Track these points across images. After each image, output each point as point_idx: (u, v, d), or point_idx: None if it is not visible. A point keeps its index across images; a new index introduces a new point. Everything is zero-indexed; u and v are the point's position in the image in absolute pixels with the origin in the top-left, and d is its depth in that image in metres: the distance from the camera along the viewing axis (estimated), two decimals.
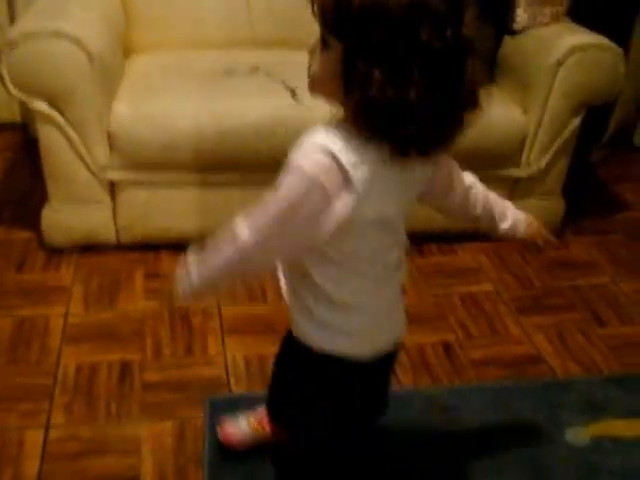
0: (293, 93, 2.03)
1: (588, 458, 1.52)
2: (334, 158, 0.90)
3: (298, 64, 2.22)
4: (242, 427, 1.48)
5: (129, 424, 1.55)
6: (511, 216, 1.21)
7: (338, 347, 1.09)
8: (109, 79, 1.97)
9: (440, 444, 1.54)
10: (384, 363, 1.20)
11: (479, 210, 1.19)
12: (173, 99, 2.00)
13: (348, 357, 1.09)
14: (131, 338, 1.79)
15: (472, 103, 0.91)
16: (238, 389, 1.66)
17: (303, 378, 1.19)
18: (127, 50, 2.31)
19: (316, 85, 0.95)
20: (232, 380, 1.68)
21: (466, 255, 2.23)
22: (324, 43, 0.90)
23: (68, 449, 1.48)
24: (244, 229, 0.97)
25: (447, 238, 2.25)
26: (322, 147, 0.90)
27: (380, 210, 0.97)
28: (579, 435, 1.57)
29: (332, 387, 1.15)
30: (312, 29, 2.72)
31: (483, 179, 2.19)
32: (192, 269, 1.05)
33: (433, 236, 2.22)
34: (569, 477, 1.48)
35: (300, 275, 1.06)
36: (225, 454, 1.47)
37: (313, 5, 0.90)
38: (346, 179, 0.90)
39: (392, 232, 1.04)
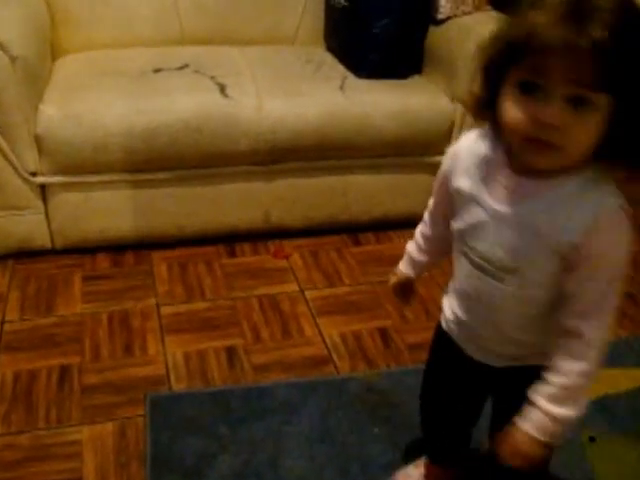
0: (222, 88, 2.04)
1: None
2: None
3: (227, 60, 2.27)
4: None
5: (69, 428, 1.54)
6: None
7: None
8: (34, 81, 1.94)
9: (377, 426, 1.56)
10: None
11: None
12: (101, 99, 1.99)
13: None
14: (69, 342, 1.78)
15: None
16: (178, 386, 1.66)
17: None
18: (55, 51, 2.29)
19: (572, 153, 0.84)
20: (172, 377, 1.69)
21: (402, 242, 2.25)
22: (584, 105, 0.80)
23: (7, 458, 1.46)
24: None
25: (383, 226, 2.30)
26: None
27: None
28: None
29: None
30: (240, 25, 2.74)
31: (411, 166, 2.26)
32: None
33: (371, 225, 2.28)
34: None
35: None
36: (168, 451, 1.48)
37: (570, 68, 0.78)
38: None
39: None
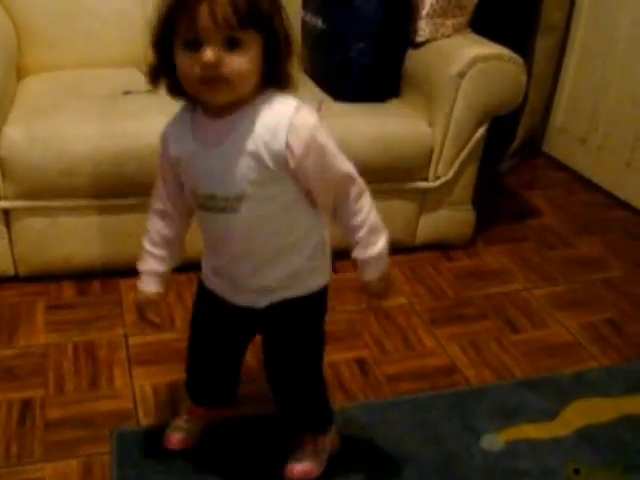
0: None
1: (503, 462, 1.52)
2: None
3: None
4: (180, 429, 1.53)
5: (31, 466, 1.46)
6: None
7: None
8: None
9: (357, 460, 1.50)
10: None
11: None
12: (69, 121, 1.92)
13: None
14: (32, 375, 1.70)
15: None
16: (147, 420, 1.59)
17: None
18: (20, 71, 2.23)
19: (239, 83, 1.03)
20: (140, 412, 1.61)
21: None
22: (237, 44, 1.00)
23: None
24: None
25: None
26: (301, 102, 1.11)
27: None
28: (494, 441, 1.57)
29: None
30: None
31: (392, 192, 2.21)
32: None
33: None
34: None
35: None
36: None
37: (215, 16, 0.97)
38: None
39: None
